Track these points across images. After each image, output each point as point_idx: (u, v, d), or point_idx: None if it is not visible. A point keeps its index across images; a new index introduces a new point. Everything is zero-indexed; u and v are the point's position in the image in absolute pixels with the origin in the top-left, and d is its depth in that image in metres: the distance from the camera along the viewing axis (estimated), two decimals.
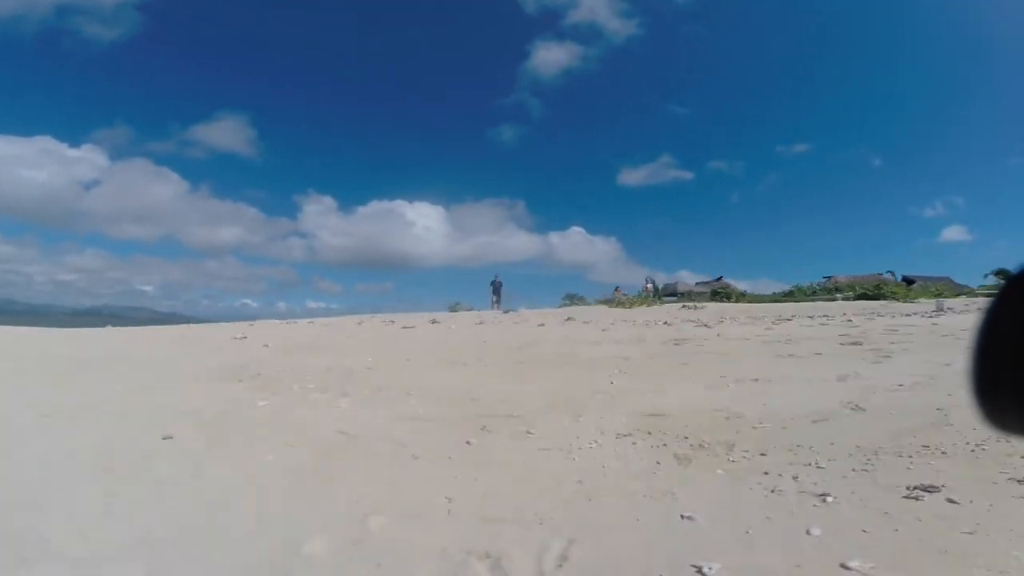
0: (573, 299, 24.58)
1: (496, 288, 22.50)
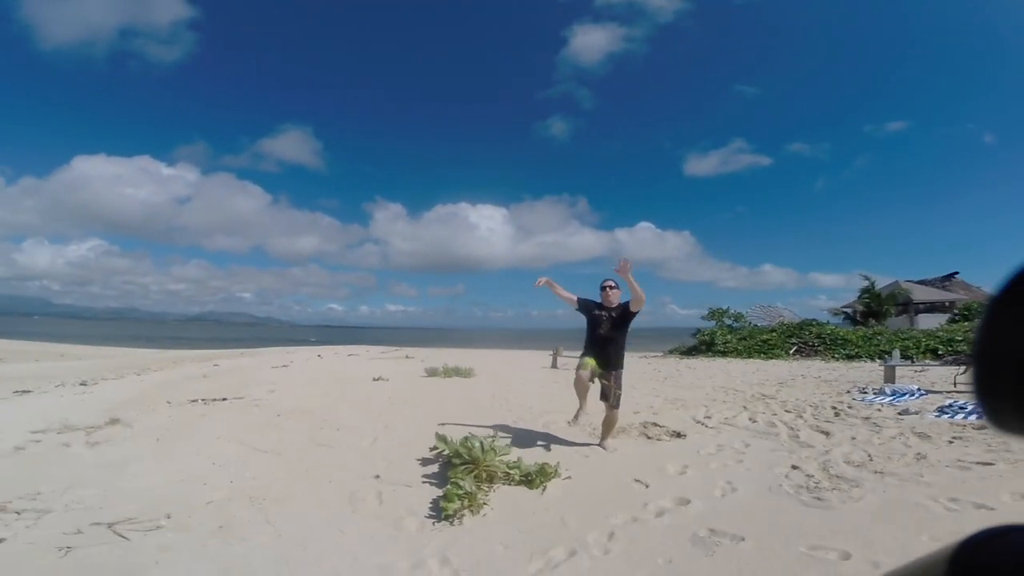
0: (718, 315, 20.00)
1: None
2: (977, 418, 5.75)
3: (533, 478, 3.44)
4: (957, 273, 25.32)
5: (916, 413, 6.08)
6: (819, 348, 15.23)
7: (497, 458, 3.55)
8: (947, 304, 22.28)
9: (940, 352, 12.56)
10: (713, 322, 19.74)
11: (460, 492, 2.98)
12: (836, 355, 14.27)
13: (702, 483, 3.76)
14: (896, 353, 9.36)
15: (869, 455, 4.41)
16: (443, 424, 5.77)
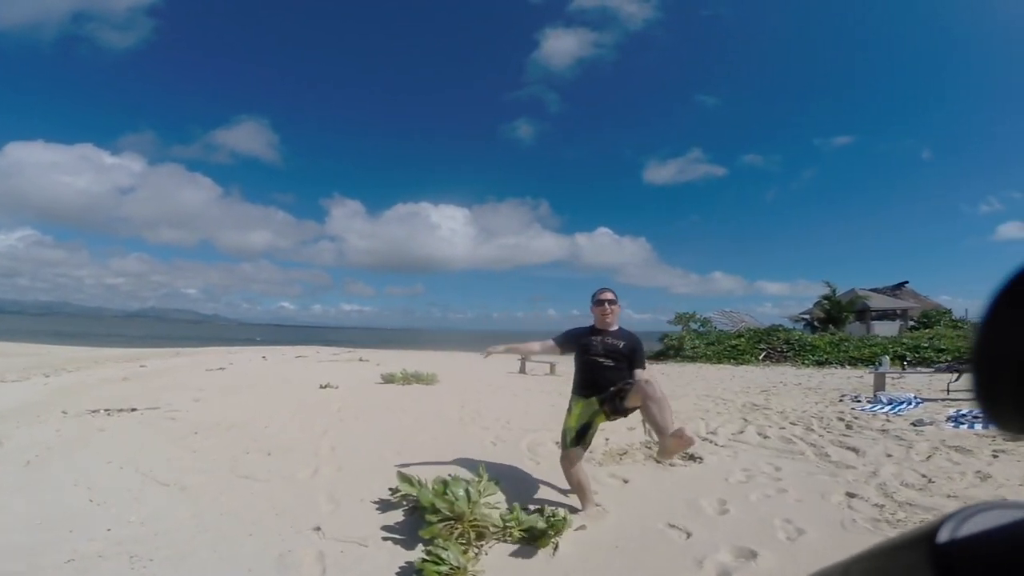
0: (685, 320, 19.11)
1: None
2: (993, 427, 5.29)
3: (539, 533, 2.46)
4: (907, 282, 26.55)
5: (931, 424, 5.56)
6: (788, 354, 15.09)
7: (487, 508, 2.55)
8: (899, 312, 23.18)
9: (908, 359, 12.60)
10: (679, 327, 19.40)
11: (442, 569, 1.96)
12: (806, 361, 14.14)
13: (756, 524, 2.91)
14: (886, 360, 9.03)
15: (924, 476, 3.77)
16: (404, 444, 4.70)
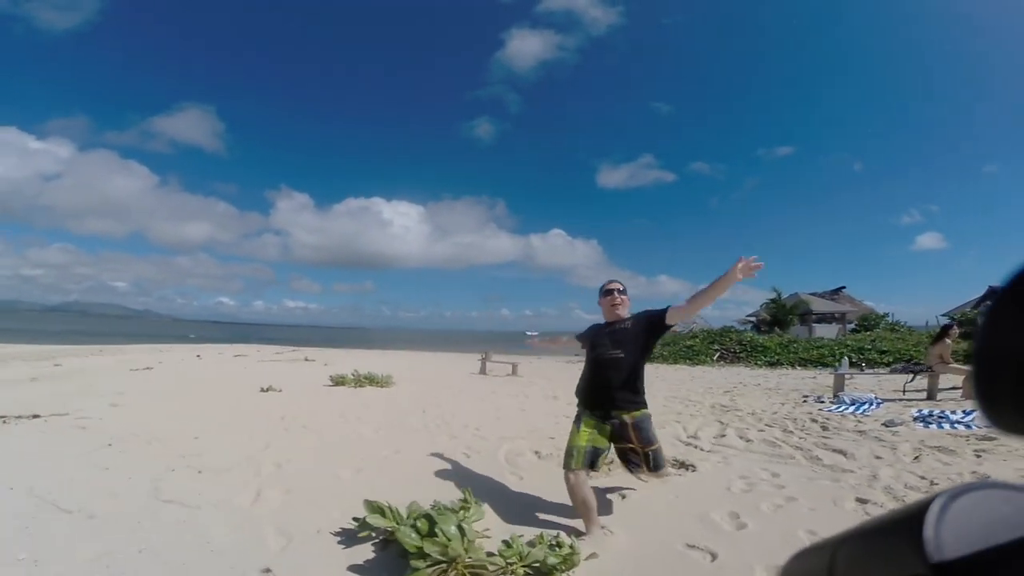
0: None
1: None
2: (966, 427, 5.37)
3: (547, 569, 2.02)
4: (844, 287, 28.23)
5: (901, 424, 5.58)
6: (741, 355, 15.45)
7: (481, 548, 2.07)
8: (837, 315, 24.57)
9: (854, 360, 13.16)
10: None
11: None
12: (758, 362, 14.50)
13: (780, 538, 2.61)
14: (845, 362, 9.24)
15: (923, 478, 3.67)
16: (364, 460, 4.12)
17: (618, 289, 2.97)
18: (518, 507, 3.13)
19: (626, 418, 2.79)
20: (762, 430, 5.50)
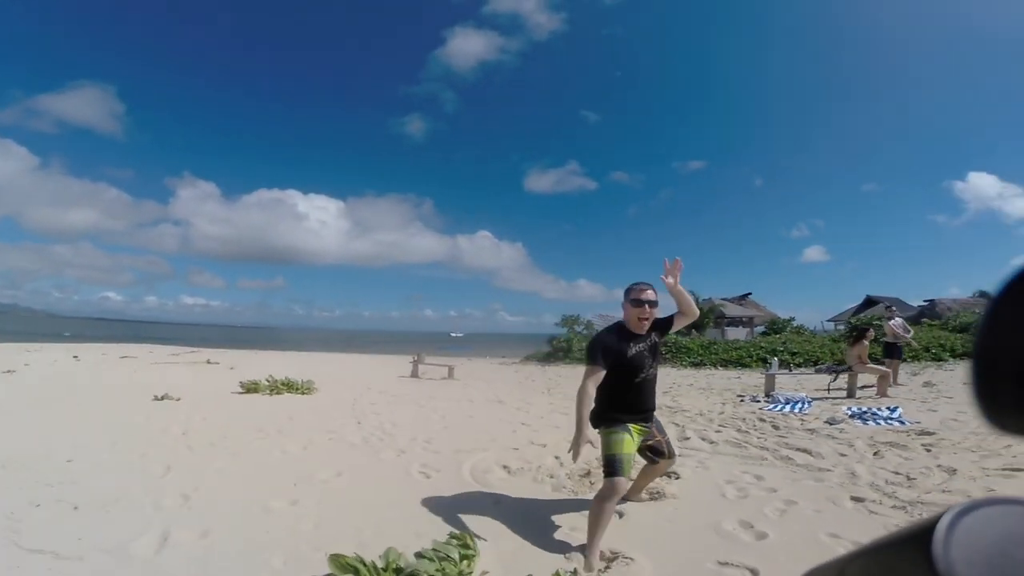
0: (570, 322, 19.00)
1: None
2: (900, 423, 5.67)
3: None
4: (750, 293, 30.78)
5: (841, 421, 5.78)
6: (667, 355, 15.98)
7: None
8: (745, 319, 26.60)
9: (769, 360, 14.07)
10: (566, 329, 19.63)
11: None
12: (683, 363, 15.07)
13: (807, 545, 2.44)
14: (775, 362, 9.69)
15: (897, 473, 3.70)
16: (299, 487, 3.38)
17: (651, 301, 2.63)
18: (506, 537, 2.62)
19: (653, 423, 2.82)
20: (719, 431, 5.43)
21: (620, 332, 2.66)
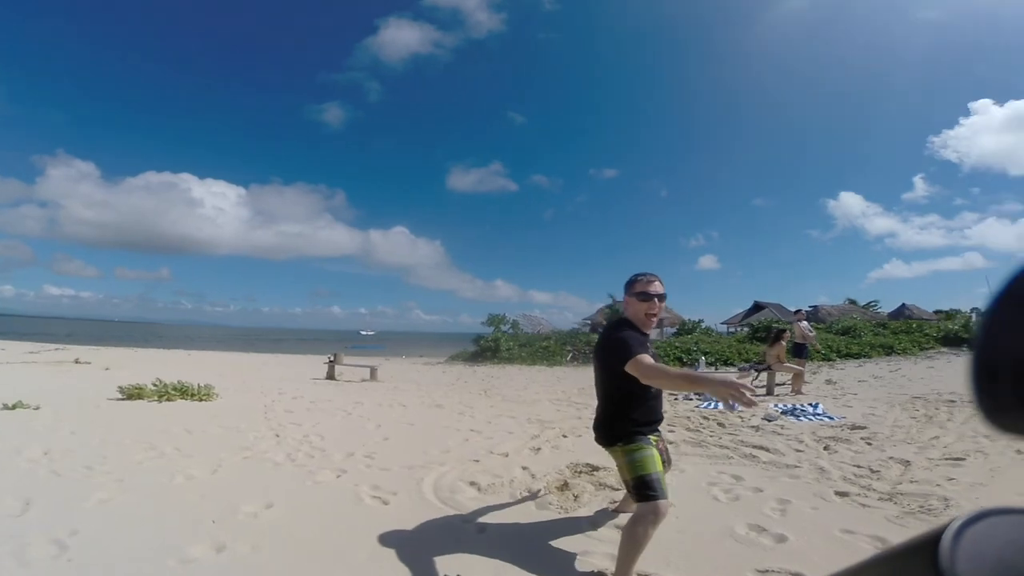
0: (497, 322, 19.04)
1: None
2: (829, 418, 6.00)
3: None
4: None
5: (776, 418, 6.01)
6: (590, 355, 16.25)
7: None
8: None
9: (684, 360, 14.82)
10: (491, 329, 19.30)
11: None
12: None
13: (829, 545, 2.36)
14: (702, 360, 10.03)
15: (859, 466, 3.81)
16: (221, 529, 2.64)
17: (661, 295, 2.28)
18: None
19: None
20: (672, 430, 5.37)
21: (631, 330, 2.31)
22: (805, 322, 10.13)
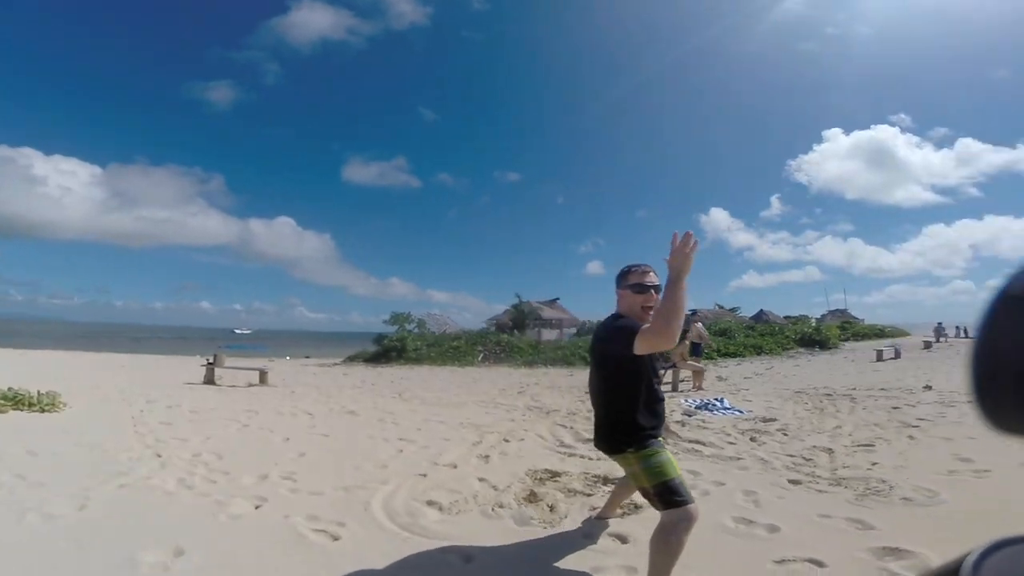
0: (401, 320, 18.04)
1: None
2: (738, 412, 6.43)
3: None
4: (558, 299, 33.67)
5: (695, 414, 6.31)
6: (502, 355, 16.14)
7: None
8: (555, 321, 28.98)
9: (588, 359, 15.24)
10: (395, 328, 18.33)
11: None
12: (516, 362, 15.38)
13: (814, 531, 2.18)
14: None
15: (792, 455, 4.03)
16: None
17: (657, 286, 2.08)
18: None
19: None
20: None
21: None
22: (700, 324, 10.99)
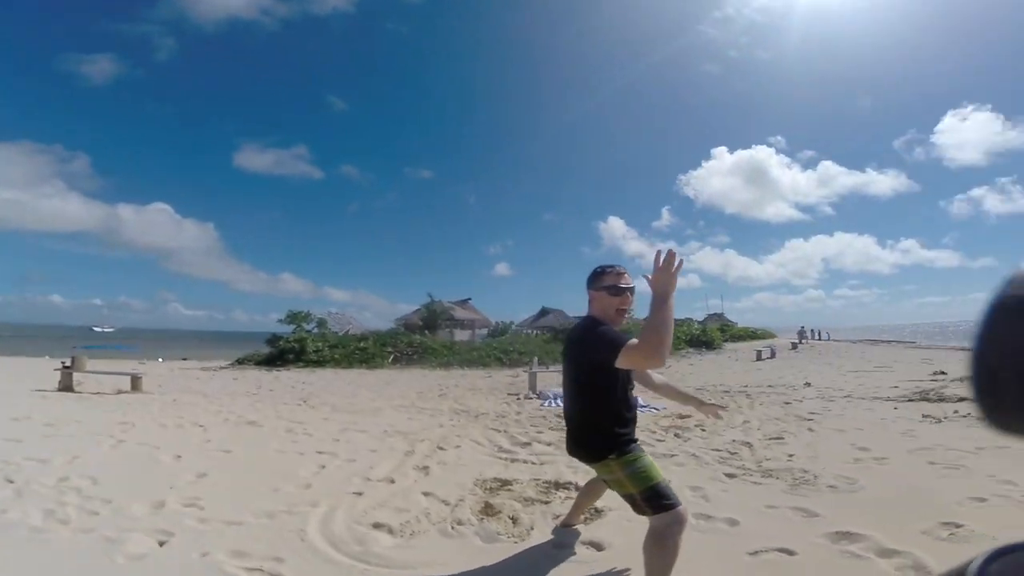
0: (299, 319, 17.13)
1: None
2: (656, 409, 6.73)
3: None
4: (470, 299, 33.41)
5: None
6: (414, 357, 15.54)
7: None
8: (467, 322, 28.68)
9: (503, 360, 15.32)
10: (293, 327, 16.89)
11: None
12: (431, 364, 14.89)
13: (769, 522, 2.29)
14: (536, 361, 10.37)
15: (718, 450, 4.27)
16: None
17: (632, 288, 2.02)
18: None
19: None
20: (540, 432, 5.32)
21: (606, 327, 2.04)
22: None
